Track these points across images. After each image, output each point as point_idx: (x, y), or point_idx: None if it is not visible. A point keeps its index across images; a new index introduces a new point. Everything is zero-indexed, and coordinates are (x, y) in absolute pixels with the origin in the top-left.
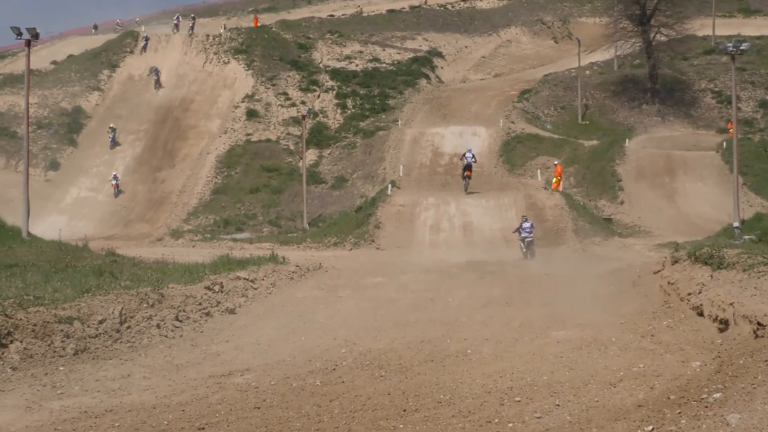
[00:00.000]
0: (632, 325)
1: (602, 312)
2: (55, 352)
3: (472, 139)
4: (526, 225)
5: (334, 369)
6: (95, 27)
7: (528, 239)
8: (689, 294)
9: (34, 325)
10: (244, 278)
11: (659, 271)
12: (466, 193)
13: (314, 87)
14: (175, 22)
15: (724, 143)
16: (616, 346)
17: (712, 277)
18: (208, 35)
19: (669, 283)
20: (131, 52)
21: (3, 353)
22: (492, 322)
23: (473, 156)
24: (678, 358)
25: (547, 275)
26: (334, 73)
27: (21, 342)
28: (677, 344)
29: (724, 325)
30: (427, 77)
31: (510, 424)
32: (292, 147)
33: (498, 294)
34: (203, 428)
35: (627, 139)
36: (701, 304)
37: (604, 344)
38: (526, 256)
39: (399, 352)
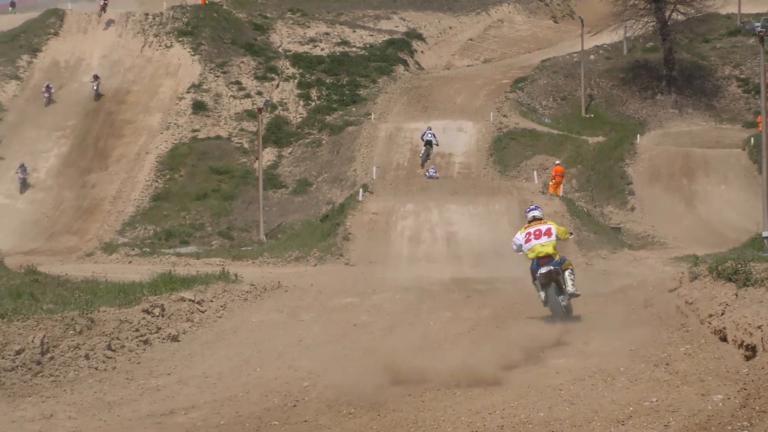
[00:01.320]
0: (644, 352)
1: (609, 337)
2: None
3: (457, 136)
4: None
5: (294, 406)
6: (12, 4)
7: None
8: (710, 316)
9: None
10: (190, 299)
11: (675, 288)
12: (422, 167)
13: (272, 75)
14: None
15: (752, 139)
16: (625, 376)
17: (737, 295)
18: (147, 14)
19: (687, 302)
20: (56, 34)
21: None
22: (480, 349)
23: (433, 134)
24: (697, 391)
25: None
26: (296, 59)
27: None
28: (696, 374)
29: (751, 351)
30: (405, 63)
31: None
32: (246, 145)
33: (487, 316)
34: None
35: (638, 135)
36: (724, 328)
37: (611, 375)
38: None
39: (371, 385)
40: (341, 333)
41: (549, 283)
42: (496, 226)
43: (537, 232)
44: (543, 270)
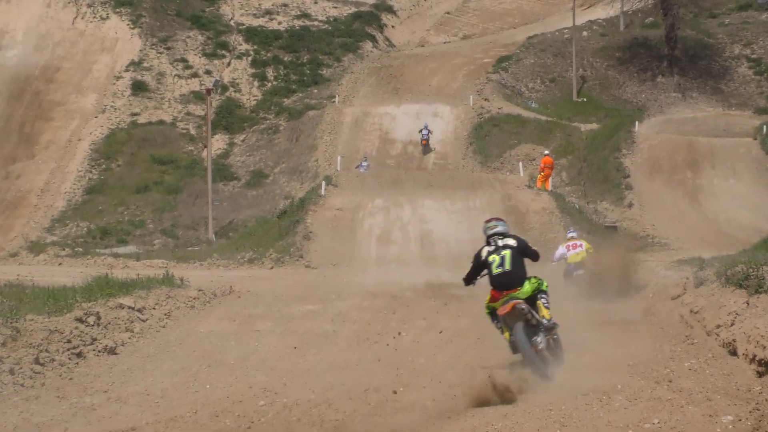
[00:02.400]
0: (643, 368)
1: (604, 350)
2: None
3: (432, 121)
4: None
5: (249, 427)
6: None
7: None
8: (718, 326)
9: None
10: (129, 307)
11: (679, 296)
12: (424, 155)
13: (223, 52)
14: None
15: (765, 127)
16: (623, 395)
17: (748, 304)
18: None
19: (692, 311)
20: None
21: None
22: (459, 363)
23: (429, 132)
24: (703, 411)
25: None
26: (250, 34)
27: None
28: (702, 392)
29: (763, 367)
30: (374, 39)
31: None
32: (193, 131)
33: (467, 326)
34: None
35: (637, 122)
36: (734, 340)
37: (607, 393)
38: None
39: (336, 404)
40: (302, 344)
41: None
42: (476, 224)
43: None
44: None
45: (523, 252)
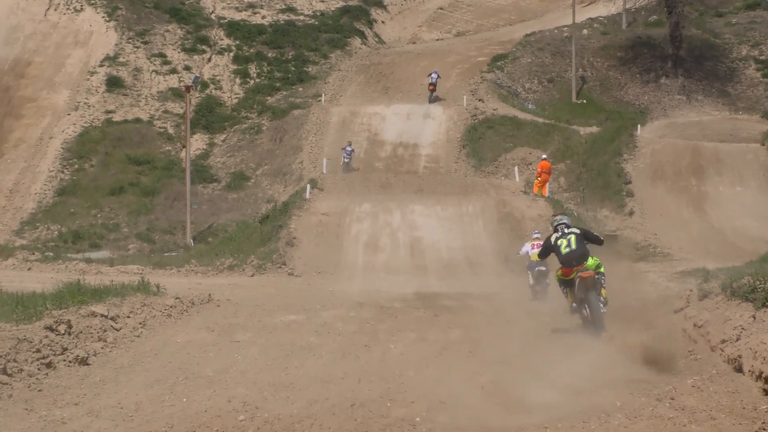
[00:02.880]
0: (644, 384)
1: (603, 365)
2: None
3: (423, 123)
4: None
5: None
6: None
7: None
8: (723, 341)
9: None
10: (102, 315)
11: (682, 309)
12: (429, 102)
13: (203, 47)
14: None
15: None
16: (622, 413)
17: (755, 318)
18: None
19: (695, 325)
20: None
21: None
22: (450, 378)
23: (438, 76)
24: (707, 431)
25: (528, 314)
26: (232, 28)
27: None
28: (706, 411)
29: None
30: (362, 35)
31: None
32: (171, 130)
33: (458, 339)
34: None
35: (639, 126)
36: (740, 356)
37: (606, 411)
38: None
39: (320, 419)
40: (284, 356)
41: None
42: (468, 231)
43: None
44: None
45: (586, 237)
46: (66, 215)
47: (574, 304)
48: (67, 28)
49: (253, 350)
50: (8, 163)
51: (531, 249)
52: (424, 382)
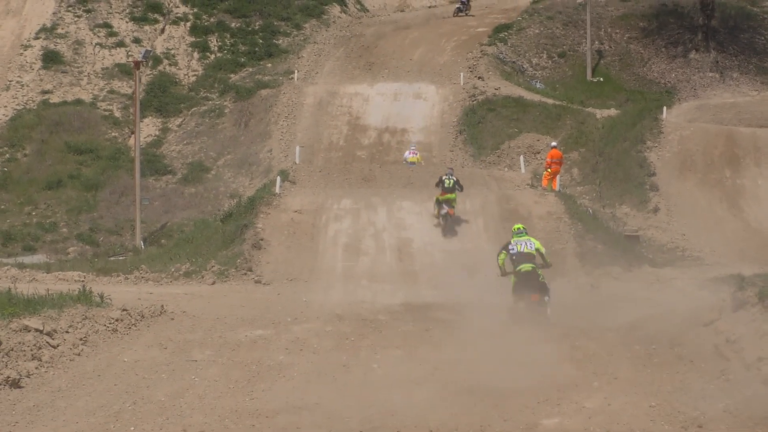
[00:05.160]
0: (668, 409)
1: (620, 388)
2: None
3: (413, 105)
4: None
5: None
6: None
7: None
8: (760, 359)
9: None
10: (36, 330)
11: (713, 321)
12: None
13: (155, 16)
14: None
15: None
16: None
17: None
18: None
19: (728, 341)
20: None
21: None
22: (442, 404)
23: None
24: None
25: (534, 328)
26: None
27: None
28: None
29: None
30: (342, 2)
31: None
32: (117, 114)
33: (451, 357)
34: None
35: (665, 108)
36: None
37: None
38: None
39: None
40: (249, 378)
41: None
42: (466, 231)
43: None
44: None
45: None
46: None
47: None
48: None
49: (213, 371)
50: None
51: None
52: (413, 409)
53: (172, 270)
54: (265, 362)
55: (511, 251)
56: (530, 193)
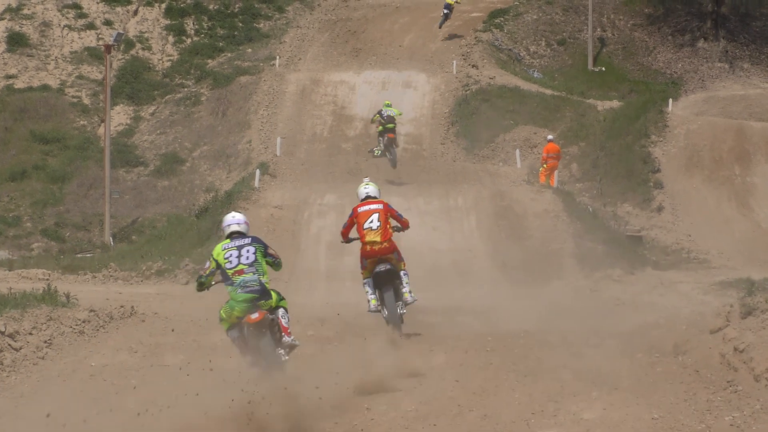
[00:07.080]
0: (672, 422)
1: (620, 399)
2: None
3: (402, 94)
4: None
5: None
6: None
7: None
8: None
9: None
10: None
11: (720, 329)
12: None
13: None
14: None
15: None
16: None
17: None
18: None
19: (736, 349)
20: None
21: None
22: (432, 414)
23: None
24: None
25: (527, 333)
26: None
27: None
28: None
29: None
30: None
31: None
32: (86, 101)
33: (443, 364)
34: None
35: (671, 100)
36: None
37: None
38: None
39: None
40: (225, 385)
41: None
42: (458, 229)
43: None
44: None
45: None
46: None
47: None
48: None
49: (187, 377)
50: None
51: None
52: (398, 419)
53: (144, 268)
54: (242, 368)
55: None
56: (526, 190)
